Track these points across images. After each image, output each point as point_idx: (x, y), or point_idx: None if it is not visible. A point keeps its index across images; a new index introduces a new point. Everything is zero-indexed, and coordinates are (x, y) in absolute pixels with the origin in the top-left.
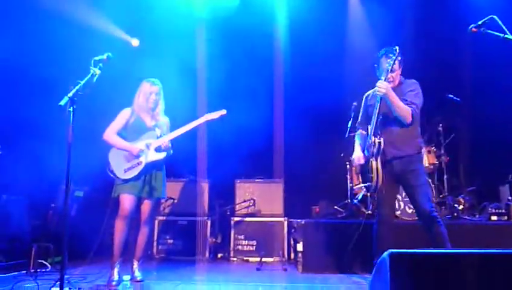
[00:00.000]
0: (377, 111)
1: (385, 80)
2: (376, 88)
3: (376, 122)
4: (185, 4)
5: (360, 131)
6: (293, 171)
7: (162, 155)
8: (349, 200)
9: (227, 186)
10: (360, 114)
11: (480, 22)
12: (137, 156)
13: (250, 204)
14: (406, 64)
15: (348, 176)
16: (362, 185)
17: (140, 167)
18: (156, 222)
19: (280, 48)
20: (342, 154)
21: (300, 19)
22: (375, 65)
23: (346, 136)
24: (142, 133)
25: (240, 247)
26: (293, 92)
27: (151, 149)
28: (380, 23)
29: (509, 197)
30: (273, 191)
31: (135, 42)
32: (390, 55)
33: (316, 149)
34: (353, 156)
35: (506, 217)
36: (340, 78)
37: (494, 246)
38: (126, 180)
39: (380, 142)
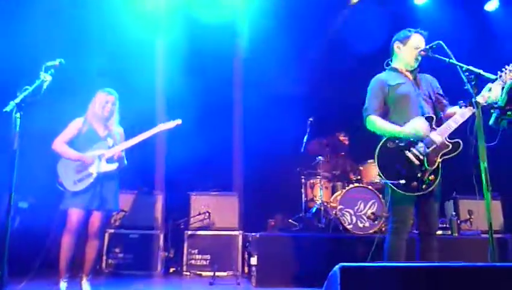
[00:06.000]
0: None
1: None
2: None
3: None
4: (146, 22)
5: (377, 117)
6: (249, 185)
7: (114, 166)
8: (303, 214)
9: (182, 199)
10: (376, 98)
11: (428, 46)
12: (88, 167)
13: (205, 217)
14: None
15: (303, 190)
16: (394, 181)
17: (91, 179)
18: (106, 235)
19: (240, 61)
20: (298, 169)
21: (261, 35)
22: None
23: (302, 150)
24: (93, 143)
25: (193, 261)
26: (251, 106)
27: (102, 160)
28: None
29: (453, 213)
30: (229, 204)
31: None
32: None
33: (271, 163)
34: (416, 130)
35: (449, 232)
36: (297, 93)
37: (439, 259)
38: (75, 193)
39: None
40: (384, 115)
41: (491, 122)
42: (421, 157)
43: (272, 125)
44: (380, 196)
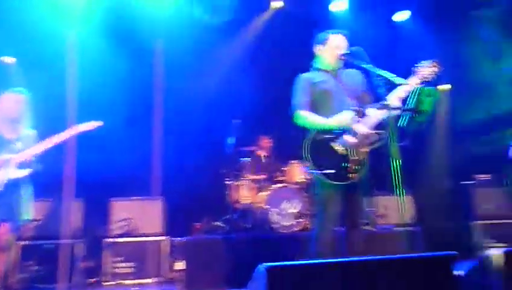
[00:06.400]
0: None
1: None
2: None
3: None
4: (60, 14)
5: (305, 111)
6: (173, 189)
7: (25, 172)
8: (229, 215)
9: (102, 206)
10: (304, 94)
11: (348, 51)
12: None
13: (127, 223)
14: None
15: (228, 192)
16: (323, 172)
17: None
18: (17, 247)
19: (160, 61)
20: (223, 171)
21: (179, 39)
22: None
23: (227, 152)
24: (1, 147)
25: (116, 270)
26: (172, 108)
27: (11, 165)
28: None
29: (370, 208)
30: (152, 209)
31: (9, 60)
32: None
33: (195, 166)
34: (340, 121)
35: (368, 226)
36: (219, 95)
37: (364, 251)
38: None
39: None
40: (310, 111)
41: (402, 123)
42: (347, 147)
43: (194, 127)
44: (305, 194)
